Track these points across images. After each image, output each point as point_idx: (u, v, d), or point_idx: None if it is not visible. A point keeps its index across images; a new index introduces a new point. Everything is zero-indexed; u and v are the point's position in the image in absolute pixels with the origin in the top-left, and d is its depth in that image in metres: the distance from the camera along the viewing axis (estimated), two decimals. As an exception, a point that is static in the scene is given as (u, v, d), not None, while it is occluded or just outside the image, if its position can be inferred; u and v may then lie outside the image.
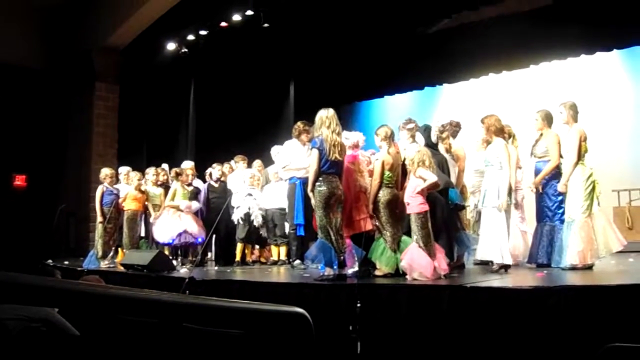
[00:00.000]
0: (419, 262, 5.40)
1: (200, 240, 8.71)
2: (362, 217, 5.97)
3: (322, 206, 5.65)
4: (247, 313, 1.55)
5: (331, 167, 5.72)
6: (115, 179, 9.40)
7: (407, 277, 5.42)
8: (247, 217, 8.76)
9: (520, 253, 6.76)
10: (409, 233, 5.83)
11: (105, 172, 9.22)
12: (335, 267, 5.59)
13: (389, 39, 11.36)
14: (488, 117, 6.29)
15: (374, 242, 5.89)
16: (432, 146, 6.47)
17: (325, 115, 5.82)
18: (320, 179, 5.69)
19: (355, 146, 6.14)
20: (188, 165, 9.68)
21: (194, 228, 8.65)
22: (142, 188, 9.18)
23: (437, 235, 5.92)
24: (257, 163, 9.48)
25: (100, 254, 8.76)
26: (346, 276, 5.63)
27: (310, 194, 5.80)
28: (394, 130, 6.25)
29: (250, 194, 8.83)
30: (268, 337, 1.59)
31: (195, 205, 8.86)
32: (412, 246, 5.54)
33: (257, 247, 9.47)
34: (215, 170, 9.22)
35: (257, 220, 8.79)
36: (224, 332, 1.79)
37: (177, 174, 8.97)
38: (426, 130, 6.52)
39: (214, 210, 8.77)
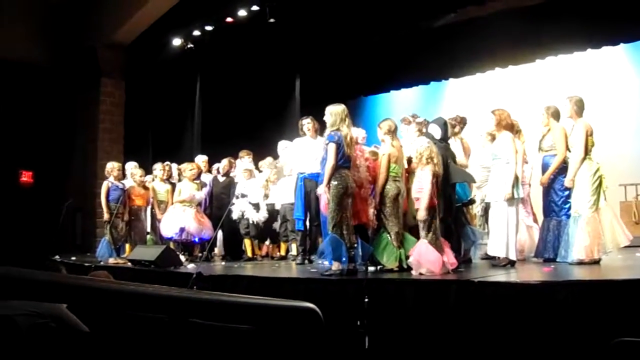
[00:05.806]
0: (427, 258, 5.40)
1: (198, 240, 8.69)
2: (355, 210, 5.97)
3: (337, 200, 5.65)
4: (257, 308, 1.56)
5: (346, 162, 5.78)
6: (122, 173, 9.27)
7: (413, 272, 5.42)
8: (242, 216, 8.72)
9: (527, 248, 6.75)
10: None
11: (113, 165, 9.08)
12: (344, 262, 5.59)
13: (394, 33, 11.34)
14: (500, 110, 6.24)
15: (376, 237, 5.90)
16: (447, 140, 6.45)
17: (342, 111, 5.87)
18: (335, 174, 5.71)
19: (355, 142, 6.14)
20: (200, 159, 9.54)
21: (193, 227, 8.52)
22: (148, 184, 9.18)
23: (447, 229, 5.93)
24: (268, 160, 9.12)
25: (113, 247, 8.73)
26: (355, 271, 5.64)
27: (326, 189, 5.78)
28: (397, 124, 6.26)
29: (243, 194, 8.74)
30: (278, 332, 1.60)
31: (199, 194, 8.78)
32: (420, 242, 5.54)
33: (267, 242, 9.41)
34: (221, 165, 9.21)
35: (252, 218, 8.72)
36: (233, 328, 1.79)
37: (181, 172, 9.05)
38: (445, 124, 6.48)
39: (217, 204, 8.76)
